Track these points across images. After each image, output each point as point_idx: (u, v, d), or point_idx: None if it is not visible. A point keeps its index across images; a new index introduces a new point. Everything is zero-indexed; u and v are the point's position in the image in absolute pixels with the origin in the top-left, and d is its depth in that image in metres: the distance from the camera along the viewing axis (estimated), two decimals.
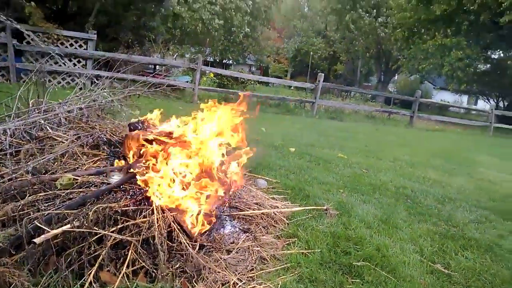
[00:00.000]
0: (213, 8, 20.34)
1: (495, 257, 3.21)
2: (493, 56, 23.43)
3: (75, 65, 10.64)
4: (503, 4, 15.11)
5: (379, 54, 31.76)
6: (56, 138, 2.69)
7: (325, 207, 3.52)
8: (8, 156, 2.35)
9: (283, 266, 2.51)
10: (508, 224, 4.13)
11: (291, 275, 2.42)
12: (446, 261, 3.00)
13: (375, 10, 29.33)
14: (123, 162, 2.56)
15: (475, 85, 23.28)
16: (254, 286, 2.24)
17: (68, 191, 2.18)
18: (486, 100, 28.55)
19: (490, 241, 3.52)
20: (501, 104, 25.84)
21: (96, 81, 4.92)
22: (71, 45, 10.59)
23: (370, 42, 30.30)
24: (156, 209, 2.23)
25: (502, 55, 22.57)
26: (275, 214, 3.17)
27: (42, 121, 2.71)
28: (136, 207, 2.23)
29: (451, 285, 2.66)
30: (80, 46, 10.69)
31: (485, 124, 17.40)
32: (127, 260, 2.00)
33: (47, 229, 1.76)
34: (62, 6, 12.07)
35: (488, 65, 23.33)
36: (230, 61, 34.33)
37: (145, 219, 2.18)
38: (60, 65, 10.34)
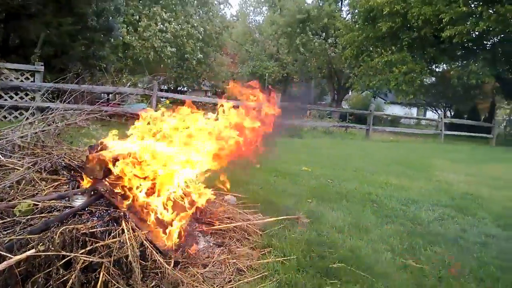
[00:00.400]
0: (164, 36, 20.26)
1: (461, 249, 3.34)
2: (437, 69, 24.91)
3: (22, 98, 10.17)
4: (443, 20, 16.19)
5: (331, 74, 32.83)
6: (10, 165, 2.53)
7: (296, 216, 3.52)
8: None
9: (261, 275, 2.47)
10: (468, 218, 4.33)
11: (269, 282, 2.38)
12: (417, 256, 3.09)
13: (324, 33, 30.47)
14: (88, 182, 2.44)
15: (422, 97, 24.56)
16: None
17: (29, 217, 2.05)
18: (434, 111, 30.15)
19: (454, 235, 3.67)
20: (448, 114, 27.38)
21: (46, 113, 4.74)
22: (17, 78, 10.13)
23: (321, 63, 31.26)
24: (127, 228, 2.14)
25: (445, 67, 24.03)
26: (248, 226, 3.14)
27: None
28: (105, 228, 2.13)
29: (424, 278, 2.72)
30: (27, 78, 10.26)
31: (436, 132, 18.33)
32: (99, 283, 1.89)
33: (9, 255, 1.63)
34: (3, 39, 11.61)
35: (433, 78, 24.77)
36: (185, 88, 34.21)
37: (115, 239, 2.08)
38: (5, 99, 9.82)
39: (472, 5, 16.31)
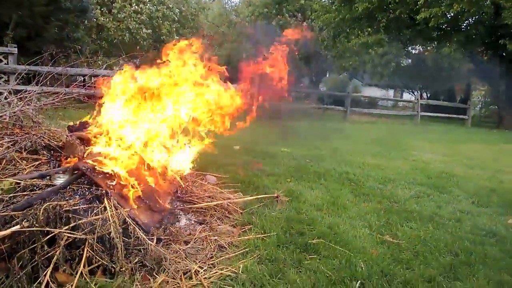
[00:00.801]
0: (139, 18, 19.80)
1: (436, 225, 3.46)
2: (413, 51, 25.28)
3: None
4: (418, 2, 16.36)
5: (308, 56, 32.85)
6: None
7: (275, 195, 3.60)
8: None
9: (242, 251, 2.54)
10: (444, 196, 4.48)
11: (251, 258, 2.45)
12: (394, 232, 3.19)
13: (300, 14, 30.31)
14: (71, 162, 2.44)
15: (397, 78, 24.96)
16: (216, 272, 2.24)
17: (11, 195, 2.04)
18: (411, 93, 30.65)
19: (430, 212, 3.81)
20: (424, 95, 27.90)
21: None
22: None
23: (299, 45, 31.18)
24: (109, 206, 2.16)
25: (421, 50, 24.43)
26: (229, 205, 3.19)
27: None
28: (87, 206, 2.15)
29: (401, 253, 2.82)
30: (0, 60, 9.95)
31: (412, 114, 18.71)
32: (83, 259, 1.92)
33: None
34: None
35: (410, 60, 25.18)
36: None
37: (98, 217, 2.10)
38: None
39: None
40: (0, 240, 1.65)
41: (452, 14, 16.51)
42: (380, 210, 3.74)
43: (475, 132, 15.34)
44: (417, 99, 18.83)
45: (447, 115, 18.79)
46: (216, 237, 2.65)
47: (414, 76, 25.56)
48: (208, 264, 2.32)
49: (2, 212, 1.81)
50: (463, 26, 19.06)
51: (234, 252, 2.51)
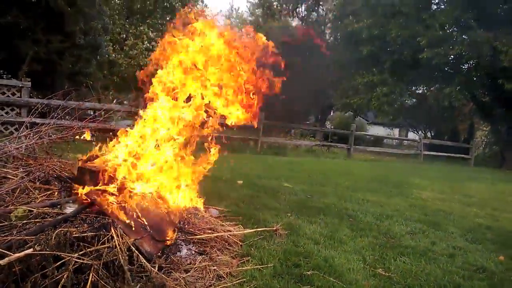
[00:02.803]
0: (150, 54, 20.55)
1: (429, 260, 3.57)
2: (417, 91, 25.70)
3: (7, 113, 10.25)
4: (421, 43, 16.92)
5: (314, 94, 33.40)
6: (4, 175, 2.69)
7: (274, 228, 3.72)
8: None
9: (239, 281, 2.65)
10: (438, 233, 4.58)
11: (247, 287, 2.56)
12: (387, 266, 3.30)
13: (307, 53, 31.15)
14: (81, 191, 2.61)
15: (402, 118, 25.26)
16: None
17: (25, 221, 2.20)
18: (415, 132, 30.89)
19: (424, 247, 3.91)
20: (429, 134, 28.10)
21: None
22: (3, 93, 10.23)
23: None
24: (116, 234, 2.31)
25: (425, 90, 24.84)
26: (229, 237, 3.32)
27: None
28: (95, 233, 2.30)
29: (392, 285, 2.92)
30: (13, 94, 10.36)
31: (416, 153, 18.85)
32: (89, 283, 2.05)
33: (9, 253, 1.79)
34: None
35: (414, 100, 25.55)
36: None
37: (106, 245, 2.25)
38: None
39: (448, 30, 17.12)
40: (14, 263, 1.80)
41: (452, 56, 17.03)
42: (376, 244, 3.84)
43: (477, 171, 15.39)
44: (420, 138, 19.04)
45: (450, 154, 18.89)
46: (215, 267, 2.76)
47: (418, 116, 25.86)
48: None
49: (16, 237, 1.97)
50: (464, 68, 19.55)
51: (232, 282, 2.62)
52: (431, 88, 21.73)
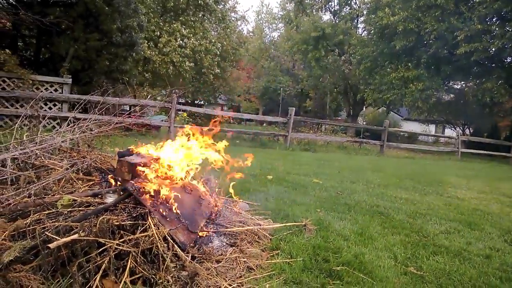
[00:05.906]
0: (183, 51, 20.93)
1: (463, 260, 3.48)
2: (455, 86, 24.89)
3: (50, 108, 10.78)
4: (458, 37, 16.38)
5: (346, 89, 32.99)
6: (51, 166, 2.88)
7: (304, 223, 3.76)
8: (9, 183, 2.52)
9: (269, 273, 2.72)
10: (475, 232, 4.45)
11: (276, 280, 2.63)
12: (419, 264, 3.25)
13: (337, 50, 30.76)
14: (118, 183, 2.76)
15: (437, 114, 24.51)
16: None
17: (69, 209, 2.37)
18: (453, 128, 29.93)
19: (458, 247, 3.80)
20: (467, 131, 27.12)
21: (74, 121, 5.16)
22: (46, 89, 10.77)
23: (336, 78, 31.44)
24: (153, 223, 2.43)
25: (463, 85, 24.01)
26: (259, 230, 3.39)
27: (38, 152, 2.90)
28: (133, 222, 2.43)
29: (424, 284, 2.89)
30: (56, 90, 10.88)
31: (452, 150, 18.29)
32: (127, 269, 2.18)
33: (57, 237, 1.94)
34: (35, 53, 12.33)
35: (451, 95, 24.75)
36: (202, 102, 34.91)
37: (145, 234, 2.37)
38: (44, 110, 10.40)
39: (488, 23, 16.46)
40: (61, 247, 1.94)
41: (493, 49, 16.36)
42: (408, 243, 3.79)
43: None
44: (458, 135, 18.45)
45: (489, 152, 18.20)
46: (245, 259, 2.84)
47: (455, 112, 25.02)
48: (237, 283, 2.52)
49: (63, 223, 2.12)
50: (506, 62, 18.75)
51: (262, 274, 2.70)
52: (470, 83, 20.98)
